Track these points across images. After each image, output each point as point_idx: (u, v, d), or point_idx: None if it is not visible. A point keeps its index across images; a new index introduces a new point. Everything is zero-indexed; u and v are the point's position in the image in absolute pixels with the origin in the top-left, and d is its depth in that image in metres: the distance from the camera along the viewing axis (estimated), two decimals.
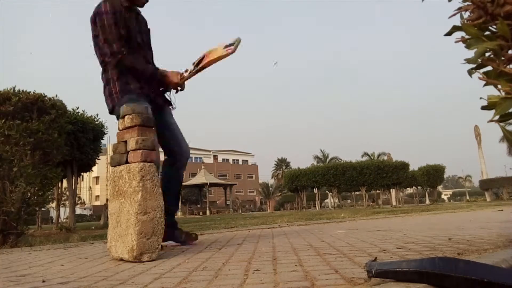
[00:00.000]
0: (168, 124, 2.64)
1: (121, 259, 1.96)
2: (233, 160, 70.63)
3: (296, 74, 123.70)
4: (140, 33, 2.57)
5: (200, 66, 2.44)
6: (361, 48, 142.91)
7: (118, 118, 2.46)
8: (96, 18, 2.35)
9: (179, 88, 2.64)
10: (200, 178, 31.09)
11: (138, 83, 2.48)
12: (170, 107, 2.71)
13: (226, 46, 2.36)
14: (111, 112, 2.53)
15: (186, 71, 2.54)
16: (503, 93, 1.09)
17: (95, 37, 2.41)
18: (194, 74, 2.51)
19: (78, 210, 29.02)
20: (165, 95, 2.67)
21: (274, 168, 64.57)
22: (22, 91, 6.35)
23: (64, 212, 16.08)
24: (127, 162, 2.05)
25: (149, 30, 2.70)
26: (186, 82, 2.61)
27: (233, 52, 2.34)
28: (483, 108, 1.13)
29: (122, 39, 2.36)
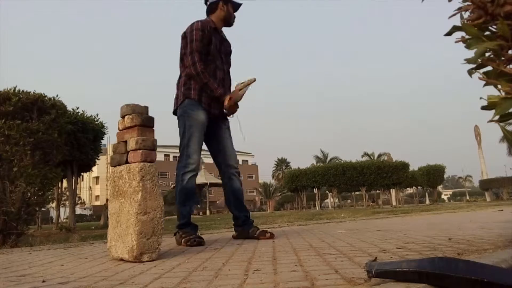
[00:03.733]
0: (218, 136, 2.84)
1: (121, 259, 1.96)
2: None
3: (296, 75, 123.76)
4: (221, 52, 2.84)
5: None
6: (362, 50, 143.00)
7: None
8: (187, 34, 2.71)
9: (225, 111, 2.79)
10: (200, 178, 31.02)
11: (198, 91, 2.68)
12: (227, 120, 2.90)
13: (240, 85, 2.72)
14: (174, 113, 2.80)
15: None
16: (503, 93, 1.09)
17: (183, 48, 2.73)
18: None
19: (78, 210, 29.05)
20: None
21: (274, 168, 64.49)
22: (22, 91, 6.35)
23: (64, 212, 16.09)
24: (127, 162, 2.06)
25: (231, 51, 3.00)
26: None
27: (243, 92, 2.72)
28: (483, 108, 1.13)
29: (202, 53, 2.68)
